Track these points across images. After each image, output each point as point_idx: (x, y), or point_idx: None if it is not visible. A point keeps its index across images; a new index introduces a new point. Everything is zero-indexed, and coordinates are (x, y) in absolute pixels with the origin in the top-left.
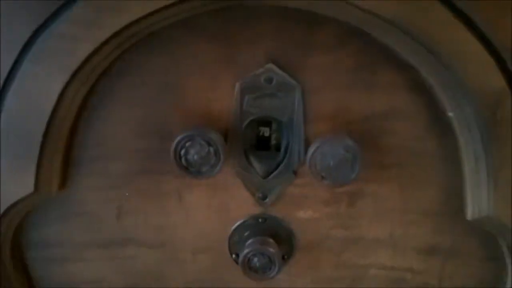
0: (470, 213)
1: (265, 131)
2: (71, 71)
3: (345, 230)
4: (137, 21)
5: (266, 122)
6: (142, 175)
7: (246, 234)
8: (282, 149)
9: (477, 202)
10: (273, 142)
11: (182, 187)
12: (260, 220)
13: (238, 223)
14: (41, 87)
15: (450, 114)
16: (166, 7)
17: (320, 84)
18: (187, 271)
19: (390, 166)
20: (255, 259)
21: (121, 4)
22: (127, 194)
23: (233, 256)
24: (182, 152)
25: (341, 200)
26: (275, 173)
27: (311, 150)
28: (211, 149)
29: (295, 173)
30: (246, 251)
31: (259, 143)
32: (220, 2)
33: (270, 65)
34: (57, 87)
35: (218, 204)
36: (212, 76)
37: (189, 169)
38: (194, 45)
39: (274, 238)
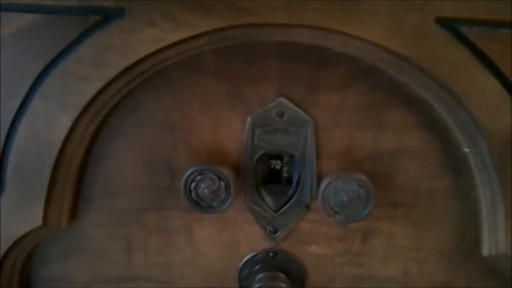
0: (487, 251)
1: (277, 164)
2: (80, 108)
3: (358, 267)
4: (143, 59)
5: (277, 155)
6: (150, 211)
7: (256, 268)
8: (294, 183)
9: (494, 241)
10: (284, 175)
11: (191, 222)
12: (271, 254)
13: (248, 256)
14: (51, 123)
15: (466, 150)
16: (172, 46)
17: (330, 121)
18: None
19: (403, 204)
20: None
21: (128, 43)
22: (134, 231)
23: None
24: (192, 186)
25: (354, 237)
26: (286, 206)
27: (323, 185)
28: (222, 184)
29: (307, 207)
30: (256, 286)
31: (271, 176)
32: (226, 41)
33: (282, 99)
34: (67, 124)
35: (228, 239)
36: (221, 113)
37: (199, 204)
38: (200, 83)
39: (285, 273)
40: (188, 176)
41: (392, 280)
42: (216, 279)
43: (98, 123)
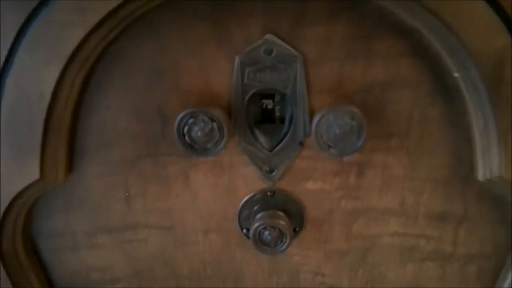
0: (481, 176)
1: (268, 104)
2: (65, 57)
3: (355, 200)
4: (126, 3)
5: (269, 94)
6: (146, 159)
7: (255, 208)
8: (287, 120)
9: (488, 164)
10: (277, 114)
11: (188, 168)
12: (268, 193)
13: (246, 197)
14: (38, 74)
15: (456, 75)
16: None
17: (318, 56)
18: (199, 251)
19: (397, 134)
20: (266, 233)
21: None
22: (132, 179)
23: (244, 231)
24: (185, 129)
25: (350, 171)
26: (281, 145)
27: (315, 120)
28: (215, 125)
29: (301, 144)
30: (256, 225)
31: (263, 116)
32: None
33: (269, 36)
34: (54, 74)
35: (225, 182)
36: (209, 55)
37: (193, 147)
38: (186, 26)
39: (284, 211)
40: (181, 120)
41: (389, 211)
42: (217, 222)
43: (86, 73)
